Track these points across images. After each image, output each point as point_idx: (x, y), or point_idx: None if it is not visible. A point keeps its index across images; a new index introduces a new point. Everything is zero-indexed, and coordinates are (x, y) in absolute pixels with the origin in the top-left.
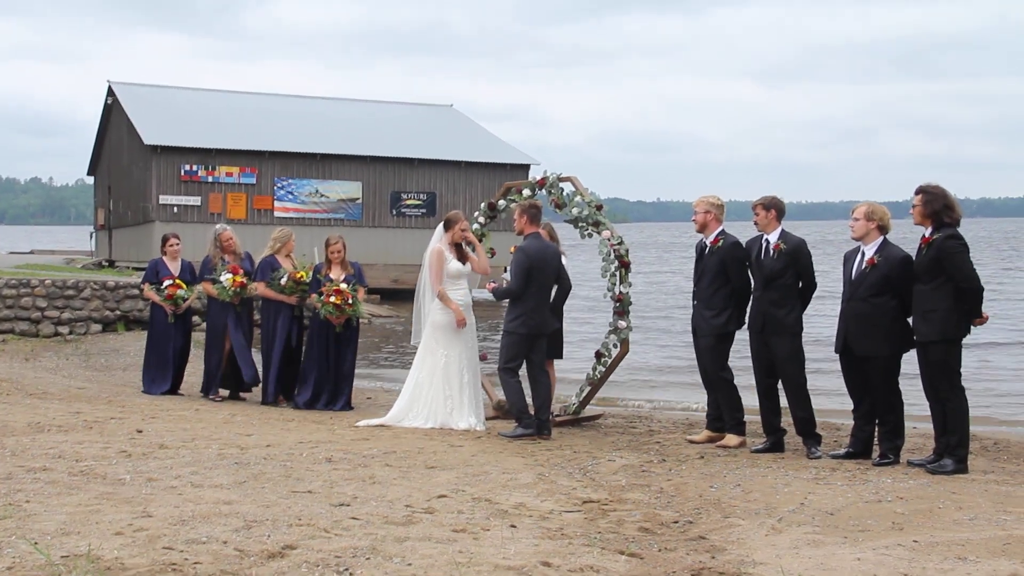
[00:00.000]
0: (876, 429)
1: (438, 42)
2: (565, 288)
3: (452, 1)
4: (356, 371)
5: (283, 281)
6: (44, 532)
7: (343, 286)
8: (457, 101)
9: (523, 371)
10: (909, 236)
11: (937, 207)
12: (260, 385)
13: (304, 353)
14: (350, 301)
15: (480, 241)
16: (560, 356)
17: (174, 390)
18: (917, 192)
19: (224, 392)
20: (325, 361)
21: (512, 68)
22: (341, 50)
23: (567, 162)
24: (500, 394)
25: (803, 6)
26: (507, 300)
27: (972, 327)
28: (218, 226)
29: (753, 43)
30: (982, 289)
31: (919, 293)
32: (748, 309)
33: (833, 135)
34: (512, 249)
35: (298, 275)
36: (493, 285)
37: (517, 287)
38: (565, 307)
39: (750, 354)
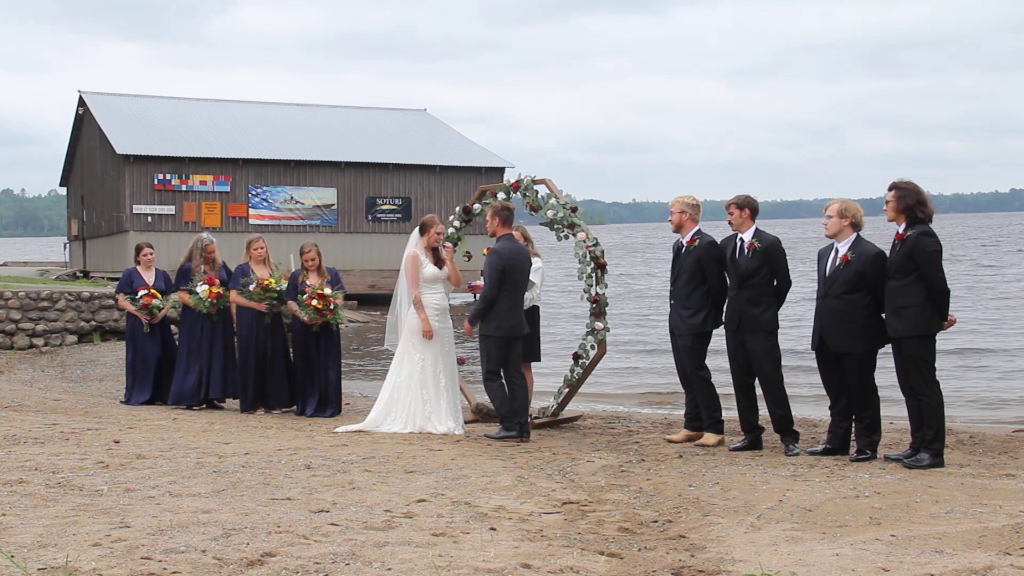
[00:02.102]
0: (853, 425)
1: (404, 46)
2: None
3: (416, 5)
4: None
5: (252, 287)
6: (21, 545)
7: (327, 291)
8: (426, 105)
9: None
10: (881, 233)
11: (910, 203)
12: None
13: (287, 364)
14: (331, 307)
15: (456, 245)
16: (538, 359)
17: (154, 400)
18: (890, 188)
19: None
20: (308, 369)
21: (480, 71)
22: (306, 56)
23: (540, 165)
24: (479, 397)
25: (764, 6)
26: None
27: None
28: (204, 235)
29: (718, 44)
30: (947, 291)
31: (892, 289)
32: (724, 308)
33: (803, 134)
34: (485, 251)
35: (266, 282)
36: (475, 285)
37: (491, 289)
38: (542, 310)
39: (727, 353)
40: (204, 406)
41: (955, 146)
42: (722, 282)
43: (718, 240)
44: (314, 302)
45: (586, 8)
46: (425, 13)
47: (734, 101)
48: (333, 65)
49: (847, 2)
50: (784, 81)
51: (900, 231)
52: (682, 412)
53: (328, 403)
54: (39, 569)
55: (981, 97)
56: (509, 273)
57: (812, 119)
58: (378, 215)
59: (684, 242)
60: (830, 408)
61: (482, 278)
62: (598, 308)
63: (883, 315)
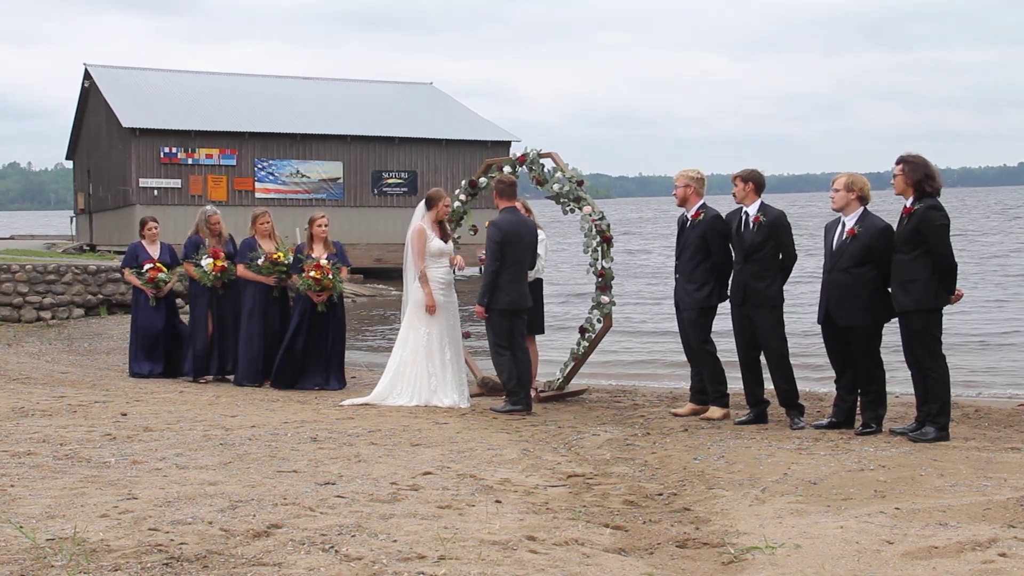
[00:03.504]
0: (859, 399)
1: (405, 19)
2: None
3: None
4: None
5: (260, 261)
6: (29, 516)
7: (323, 261)
8: (431, 79)
9: None
10: (888, 207)
11: (918, 176)
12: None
13: (289, 335)
14: (330, 276)
15: (462, 219)
16: (541, 331)
17: (161, 373)
18: (898, 162)
19: (208, 377)
20: (313, 342)
21: (481, 44)
22: (306, 29)
23: (543, 139)
24: (484, 371)
25: None
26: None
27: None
28: (208, 207)
29: (720, 16)
30: (955, 265)
31: (898, 263)
32: (729, 282)
33: (809, 107)
34: (487, 224)
35: (275, 255)
36: (483, 258)
37: (492, 262)
38: (546, 282)
39: (732, 327)
40: (211, 378)
41: (962, 119)
42: (727, 256)
43: (723, 214)
44: (312, 273)
45: None
46: None
47: (737, 74)
48: (333, 38)
49: None
50: (786, 55)
51: (908, 205)
52: (687, 385)
53: (331, 376)
54: (47, 540)
55: (986, 70)
56: (509, 245)
57: (817, 92)
58: (384, 189)
59: (689, 216)
60: (835, 382)
61: (481, 253)
62: (604, 282)
63: (889, 289)
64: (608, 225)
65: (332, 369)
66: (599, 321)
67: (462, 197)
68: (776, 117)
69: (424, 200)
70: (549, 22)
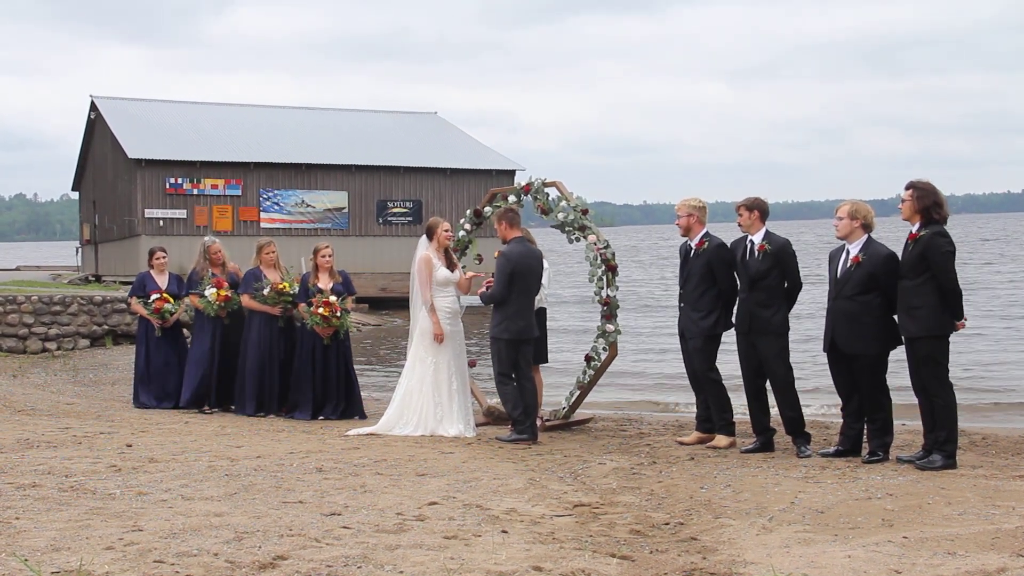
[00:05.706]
0: (865, 427)
1: (402, 49)
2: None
3: (412, 7)
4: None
5: (265, 292)
6: (34, 548)
7: (333, 298)
8: (429, 108)
9: None
10: (892, 234)
11: (927, 203)
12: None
13: (295, 367)
14: (338, 314)
15: (467, 248)
16: (545, 360)
17: (166, 404)
18: (908, 187)
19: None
20: (321, 373)
21: (479, 73)
22: (304, 59)
23: (547, 167)
24: (490, 400)
25: (757, 6)
26: (492, 305)
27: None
28: (207, 238)
29: (717, 44)
30: (959, 292)
31: (904, 289)
32: (735, 310)
33: (809, 134)
34: (496, 254)
35: (280, 286)
36: (482, 290)
37: (499, 291)
38: (550, 312)
39: (737, 355)
40: (216, 409)
41: (963, 146)
42: (732, 284)
43: (727, 242)
44: (320, 310)
45: (581, 8)
46: (421, 15)
47: (736, 102)
48: (331, 67)
49: (842, 3)
50: (785, 81)
51: (913, 231)
52: (693, 413)
53: (352, 406)
54: (53, 573)
55: (985, 96)
56: (518, 276)
57: (817, 119)
58: (389, 218)
59: (693, 245)
60: (842, 410)
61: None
62: (609, 310)
63: (895, 316)
64: (613, 254)
65: (353, 399)
66: (604, 350)
67: (467, 226)
68: (777, 144)
69: (425, 231)
70: (548, 50)
